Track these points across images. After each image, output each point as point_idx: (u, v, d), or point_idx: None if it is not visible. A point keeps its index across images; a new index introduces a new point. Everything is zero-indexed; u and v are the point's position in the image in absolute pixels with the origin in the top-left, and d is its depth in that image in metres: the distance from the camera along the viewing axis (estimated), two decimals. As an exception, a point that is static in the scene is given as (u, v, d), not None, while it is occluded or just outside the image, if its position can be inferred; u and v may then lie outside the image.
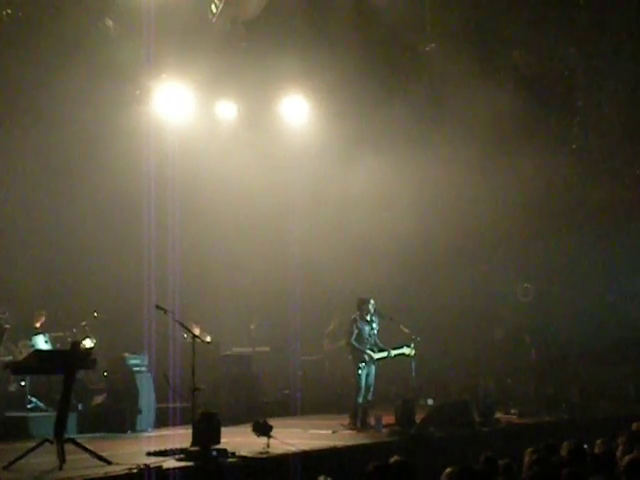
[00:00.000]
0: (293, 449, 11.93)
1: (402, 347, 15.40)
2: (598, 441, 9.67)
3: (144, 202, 16.79)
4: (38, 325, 16.29)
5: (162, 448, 11.71)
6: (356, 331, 15.36)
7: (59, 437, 10.87)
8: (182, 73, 17.52)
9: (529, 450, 8.73)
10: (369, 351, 15.27)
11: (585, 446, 9.11)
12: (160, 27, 15.93)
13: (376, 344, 15.46)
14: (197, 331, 18.11)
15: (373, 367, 15.38)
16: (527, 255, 20.84)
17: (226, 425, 12.30)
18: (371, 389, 15.38)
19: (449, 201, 20.05)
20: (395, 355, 15.47)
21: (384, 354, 15.41)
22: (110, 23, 16.42)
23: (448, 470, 7.22)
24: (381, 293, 16.54)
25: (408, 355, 15.35)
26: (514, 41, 19.89)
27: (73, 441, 11.11)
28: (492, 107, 19.13)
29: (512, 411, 17.58)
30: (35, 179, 17.40)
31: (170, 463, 10.88)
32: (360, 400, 15.21)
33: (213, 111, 19.00)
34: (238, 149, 18.80)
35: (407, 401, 14.85)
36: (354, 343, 15.33)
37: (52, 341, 16.07)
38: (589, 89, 20.26)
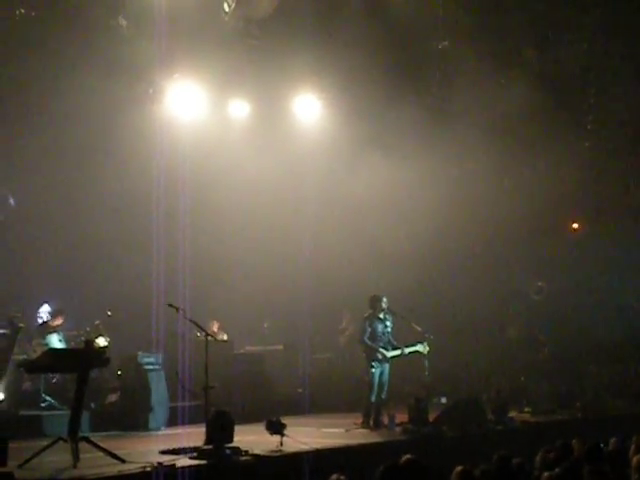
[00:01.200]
0: (306, 448, 11.94)
1: (416, 344, 15.36)
2: (612, 440, 9.66)
3: (156, 201, 16.82)
4: (56, 324, 16.34)
5: (175, 446, 11.74)
6: (369, 329, 15.34)
7: (73, 435, 10.90)
8: (195, 72, 17.54)
9: (543, 450, 8.72)
10: (382, 349, 15.25)
11: (602, 445, 9.10)
12: (173, 26, 15.95)
13: (390, 342, 15.43)
14: (216, 327, 18.23)
15: (387, 365, 15.34)
16: (540, 253, 20.79)
17: (239, 423, 12.31)
18: (385, 387, 15.35)
19: (461, 200, 20.01)
20: (409, 353, 15.44)
21: (398, 352, 15.37)
22: (123, 22, 16.45)
23: (458, 469, 7.21)
24: (393, 291, 16.53)
25: (422, 352, 15.31)
26: (527, 39, 19.83)
27: (87, 439, 11.15)
28: (504, 105, 19.09)
29: (525, 409, 17.56)
30: (48, 179, 17.43)
31: (183, 461, 10.90)
32: (373, 398, 15.20)
33: (225, 110, 19.02)
34: (250, 147, 18.80)
35: (420, 400, 14.82)
36: (367, 341, 15.30)
37: (66, 340, 16.12)
38: (602, 87, 20.18)
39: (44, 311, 16.82)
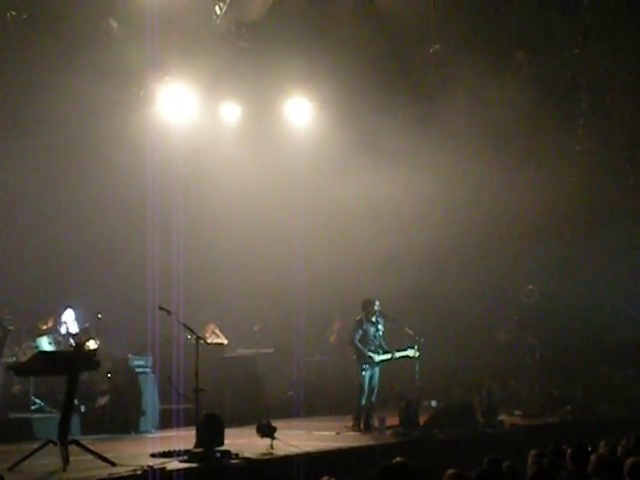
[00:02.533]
0: (297, 450, 11.94)
1: (406, 349, 15.36)
2: (602, 443, 9.66)
3: (148, 204, 16.80)
4: (45, 327, 16.31)
5: (166, 449, 11.73)
6: (361, 332, 15.35)
7: (63, 438, 10.88)
8: (186, 74, 17.53)
9: (533, 452, 8.72)
10: (372, 353, 15.25)
11: (589, 448, 9.09)
12: (164, 28, 15.95)
13: (381, 346, 15.44)
14: (211, 328, 18.29)
15: (377, 369, 15.36)
16: (531, 257, 20.80)
17: (230, 426, 12.32)
18: (375, 391, 15.36)
19: (452, 204, 20.02)
20: (399, 357, 15.45)
21: (388, 356, 15.39)
22: (114, 24, 16.44)
23: (449, 472, 7.21)
24: (385, 295, 16.52)
25: (412, 357, 15.33)
26: (519, 43, 19.86)
27: (77, 442, 11.13)
28: (496, 109, 19.12)
29: (516, 412, 17.59)
30: (39, 182, 17.40)
31: (174, 464, 10.90)
32: (364, 402, 15.20)
33: (217, 112, 19.01)
34: (242, 150, 18.81)
35: (410, 403, 14.85)
36: (358, 344, 15.31)
37: (56, 342, 16.07)
38: (594, 90, 20.21)
39: (68, 317, 16.80)
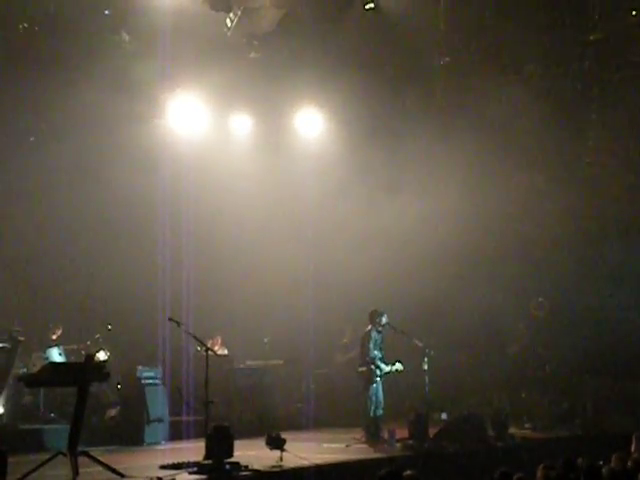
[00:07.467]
0: (306, 463, 11.92)
1: (395, 363, 15.45)
2: (613, 456, 9.63)
3: (159, 215, 16.85)
4: (54, 338, 16.34)
5: (175, 461, 11.72)
6: (372, 344, 15.37)
7: (73, 450, 10.88)
8: (197, 86, 17.59)
9: (542, 466, 8.70)
10: (383, 365, 15.28)
11: (601, 462, 9.06)
12: (175, 41, 16.03)
13: (383, 358, 15.50)
14: (219, 341, 18.21)
15: (382, 380, 15.41)
16: (541, 269, 20.75)
17: (239, 438, 12.30)
18: (382, 402, 15.36)
19: (462, 216, 19.97)
20: (395, 371, 15.56)
21: (394, 368, 15.46)
22: (126, 37, 16.52)
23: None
24: (394, 307, 16.50)
25: (399, 371, 15.42)
26: (528, 55, 19.88)
27: (87, 454, 11.13)
28: (504, 121, 19.12)
29: (526, 426, 17.51)
30: (50, 194, 17.43)
31: (183, 476, 10.91)
32: (372, 414, 15.18)
33: (228, 124, 19.05)
34: (253, 162, 18.84)
35: (420, 415, 14.81)
36: (376, 356, 15.32)
37: (66, 354, 16.10)
38: (603, 104, 20.21)
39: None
